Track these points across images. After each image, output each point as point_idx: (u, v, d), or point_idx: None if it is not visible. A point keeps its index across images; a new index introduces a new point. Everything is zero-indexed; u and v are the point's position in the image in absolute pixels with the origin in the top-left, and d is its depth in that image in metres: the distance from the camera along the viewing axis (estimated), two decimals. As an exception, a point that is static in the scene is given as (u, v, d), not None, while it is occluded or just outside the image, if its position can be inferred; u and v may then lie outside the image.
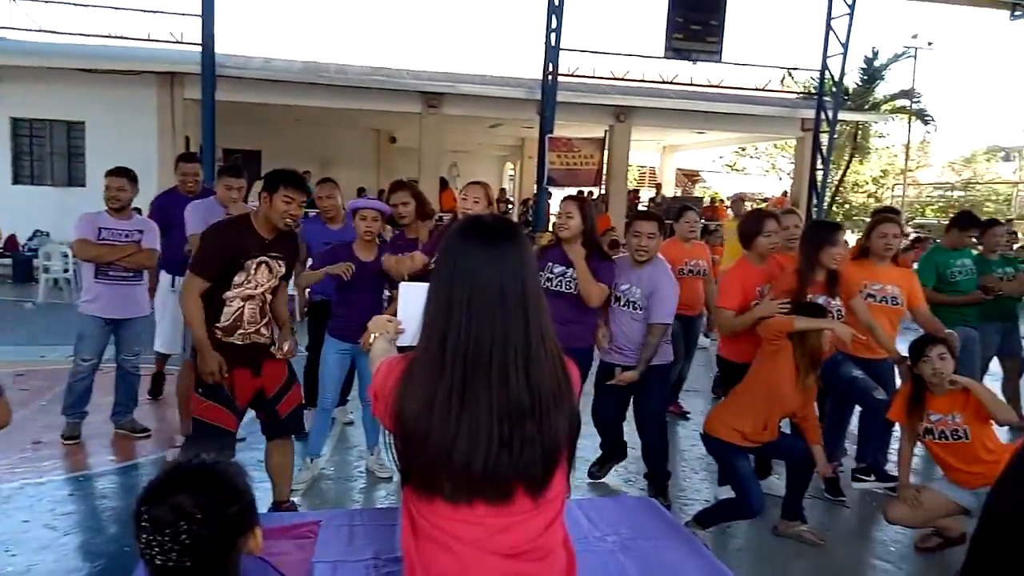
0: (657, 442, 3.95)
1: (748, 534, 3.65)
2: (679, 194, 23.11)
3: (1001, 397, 4.09)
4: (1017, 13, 16.63)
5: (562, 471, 1.40)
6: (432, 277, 1.40)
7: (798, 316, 3.27)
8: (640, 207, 17.62)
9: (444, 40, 79.87)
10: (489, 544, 1.30)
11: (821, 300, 3.62)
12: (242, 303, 3.13)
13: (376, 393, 1.40)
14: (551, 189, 13.48)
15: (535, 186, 14.23)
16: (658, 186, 20.67)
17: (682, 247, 5.21)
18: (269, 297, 3.23)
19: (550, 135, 12.79)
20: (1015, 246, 14.99)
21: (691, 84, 15.22)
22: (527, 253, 1.38)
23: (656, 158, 23.67)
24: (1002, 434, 3.95)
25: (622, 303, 3.84)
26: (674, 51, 13.22)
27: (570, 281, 3.69)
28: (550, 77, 12.61)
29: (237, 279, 3.10)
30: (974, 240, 5.20)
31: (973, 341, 4.92)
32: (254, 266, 3.12)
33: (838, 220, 23.32)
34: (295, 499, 3.63)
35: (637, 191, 20.39)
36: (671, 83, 15.14)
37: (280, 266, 3.22)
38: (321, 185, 4.92)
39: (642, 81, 15.54)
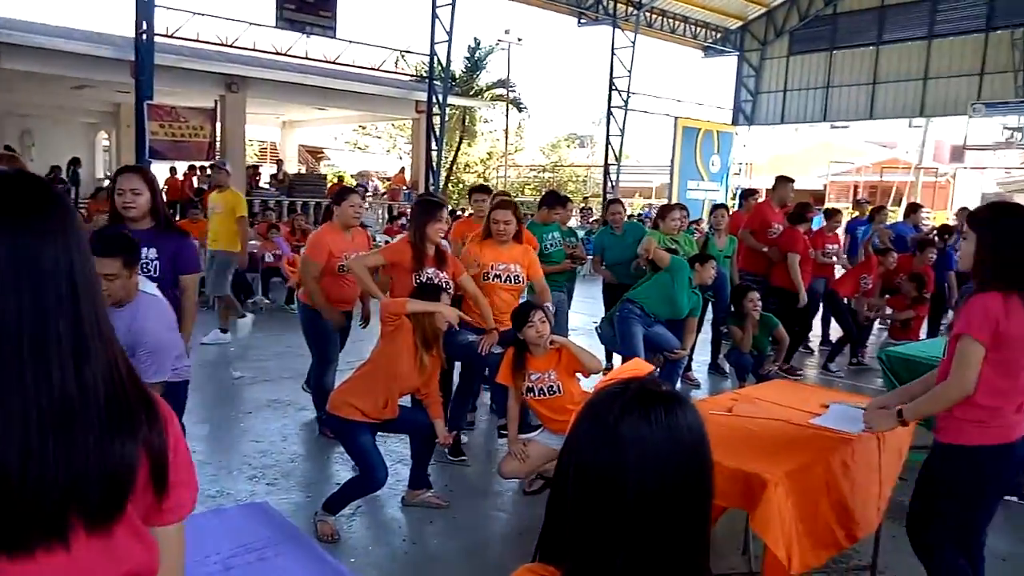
0: None
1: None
2: (303, 171, 22.55)
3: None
4: (583, 21, 19.62)
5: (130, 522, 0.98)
6: None
7: (411, 299, 3.36)
8: (262, 183, 16.74)
9: (5, -20, 65.62)
10: None
11: (431, 272, 3.78)
12: None
13: None
14: (155, 162, 11.97)
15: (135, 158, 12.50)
16: (279, 162, 19.86)
17: (343, 236, 4.77)
18: None
19: (149, 102, 11.30)
20: (591, 219, 17.89)
21: (307, 58, 14.83)
22: (74, 223, 1.00)
23: (276, 133, 22.75)
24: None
25: None
26: (286, 21, 12.70)
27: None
28: (144, 36, 11.11)
29: None
30: (558, 216, 5.91)
31: (563, 303, 5.65)
32: None
33: (453, 198, 25.16)
34: None
35: (257, 167, 19.35)
36: (286, 55, 14.56)
37: None
38: None
39: (254, 50, 14.67)
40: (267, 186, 16.43)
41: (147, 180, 3.26)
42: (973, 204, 18.65)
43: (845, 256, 8.18)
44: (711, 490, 0.96)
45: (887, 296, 7.37)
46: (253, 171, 17.20)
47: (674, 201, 19.34)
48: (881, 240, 8.04)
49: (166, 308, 2.80)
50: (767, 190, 8.26)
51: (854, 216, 10.42)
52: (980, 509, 2.42)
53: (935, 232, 9.21)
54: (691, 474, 0.93)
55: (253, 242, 9.84)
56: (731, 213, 7.37)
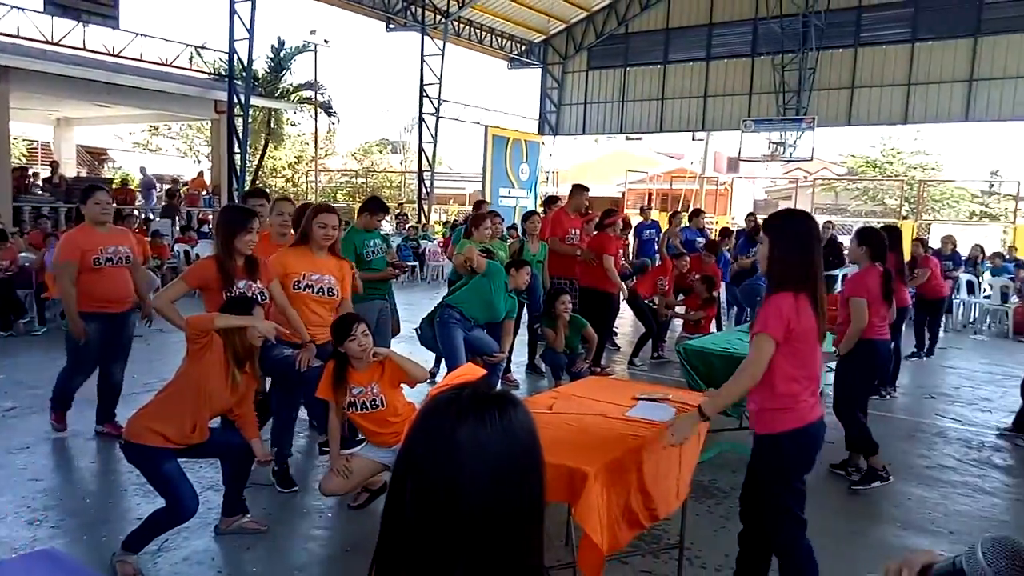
0: None
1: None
2: (83, 174, 20.30)
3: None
4: (392, 26, 19.53)
5: None
6: None
7: (220, 314, 3.14)
8: (36, 187, 14.82)
9: None
10: None
11: (242, 285, 3.56)
12: None
13: None
14: None
15: None
16: (54, 164, 17.71)
17: (97, 233, 4.55)
18: None
19: None
20: (407, 225, 17.82)
21: (84, 49, 13.37)
22: None
23: (49, 132, 20.26)
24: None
25: None
26: (57, 7, 11.36)
27: None
28: None
29: None
30: (379, 222, 5.80)
31: (387, 312, 5.56)
32: None
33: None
34: None
35: (26, 169, 17.09)
36: (59, 44, 13.03)
37: None
38: None
39: (19, 38, 12.97)
40: (40, 191, 14.60)
41: None
42: (747, 210, 20.96)
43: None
44: (544, 488, 0.97)
45: (682, 296, 8.07)
46: (21, 174, 15.18)
47: (487, 208, 19.83)
48: (673, 243, 8.79)
49: None
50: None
51: (640, 221, 11.40)
52: (797, 486, 2.69)
53: (719, 235, 10.24)
54: (527, 474, 0.94)
55: (25, 254, 8.70)
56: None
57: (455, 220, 16.51)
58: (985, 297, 11.39)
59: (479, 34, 21.67)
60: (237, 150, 15.31)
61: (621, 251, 7.71)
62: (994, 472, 4.85)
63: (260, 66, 24.42)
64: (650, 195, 26.00)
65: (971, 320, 11.51)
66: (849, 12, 18.77)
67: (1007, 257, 12.58)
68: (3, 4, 12.30)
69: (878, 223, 21.82)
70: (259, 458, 3.38)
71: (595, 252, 6.91)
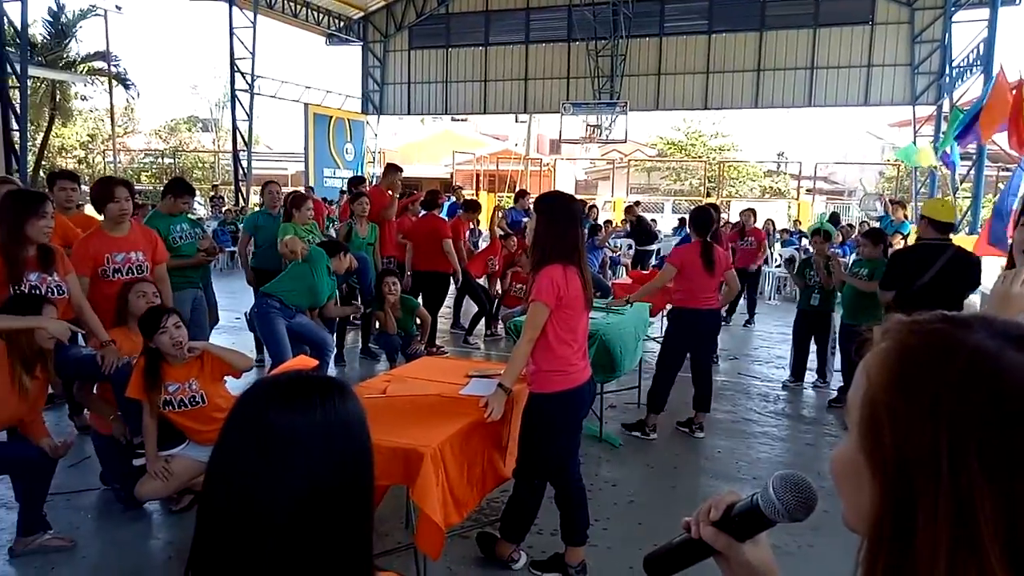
0: None
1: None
2: None
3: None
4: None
5: None
6: None
7: (0, 316, 2.78)
8: None
9: None
10: None
11: (34, 278, 3.17)
12: None
13: None
14: None
15: None
16: None
17: None
18: None
19: None
20: (223, 208, 16.73)
21: None
22: None
23: None
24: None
25: None
26: None
27: None
28: None
29: None
30: (186, 204, 5.39)
31: (201, 301, 5.21)
32: None
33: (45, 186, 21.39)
34: None
35: None
36: None
37: None
38: None
39: None
40: None
41: None
42: (570, 190, 21.86)
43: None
44: (372, 476, 0.92)
45: (511, 271, 8.29)
46: None
47: (311, 188, 19.13)
48: (500, 226, 9.00)
49: None
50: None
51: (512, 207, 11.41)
52: (568, 442, 3.02)
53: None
54: (352, 462, 0.88)
55: None
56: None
57: (228, 209, 15.76)
58: (776, 266, 12.74)
59: (293, 7, 20.64)
60: (15, 127, 13.52)
61: (467, 233, 7.92)
62: (787, 421, 5.48)
63: (38, 31, 21.70)
64: (478, 175, 26.35)
65: (764, 288, 12.86)
66: (654, 3, 20.03)
67: (792, 231, 14.22)
68: None
69: (686, 201, 23.69)
70: (53, 452, 3.04)
71: (439, 237, 6.94)
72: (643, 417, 5.00)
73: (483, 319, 7.88)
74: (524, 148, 27.26)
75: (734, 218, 12.56)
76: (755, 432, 5.18)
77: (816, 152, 32.19)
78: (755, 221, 9.58)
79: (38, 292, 3.31)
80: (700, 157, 29.50)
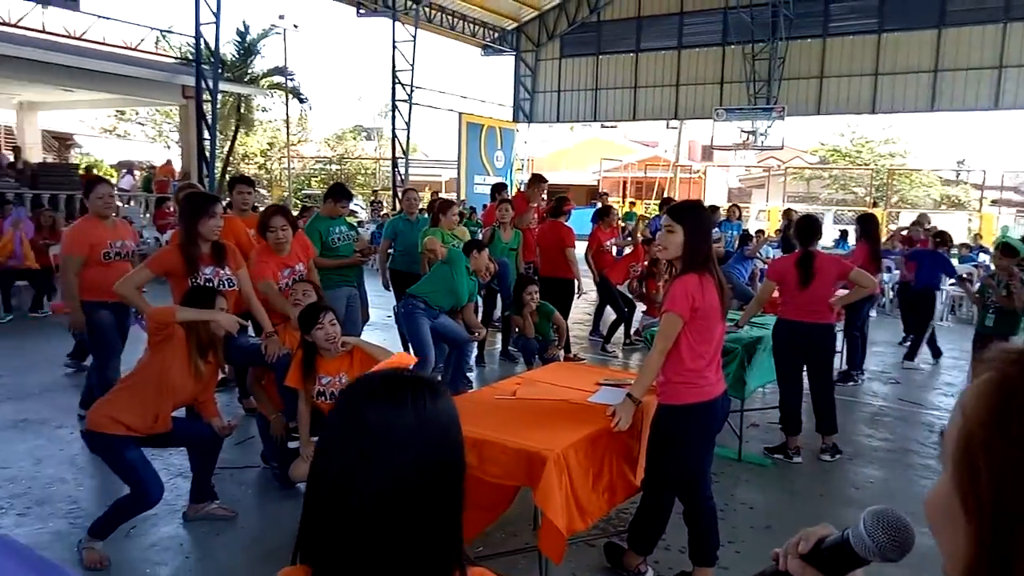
0: None
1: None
2: (51, 159, 19.90)
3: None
4: (362, 11, 19.34)
5: None
6: None
7: (182, 307, 3.14)
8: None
9: None
10: None
11: (208, 271, 3.55)
12: None
13: None
14: None
15: None
16: (16, 149, 17.31)
17: (104, 227, 4.50)
18: None
19: None
20: (381, 212, 17.73)
21: (44, 31, 13.08)
22: None
23: (12, 116, 19.78)
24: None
25: None
26: (19, -11, 11.10)
27: None
28: None
29: None
30: (344, 209, 5.78)
31: (355, 299, 5.57)
32: None
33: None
34: None
35: (-12, 155, 16.70)
36: (16, 26, 12.73)
37: None
38: None
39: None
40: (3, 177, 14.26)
41: None
42: (722, 198, 21.14)
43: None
44: (463, 472, 0.96)
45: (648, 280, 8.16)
46: (-19, 160, 14.82)
47: (462, 195, 19.83)
48: (643, 233, 8.89)
49: None
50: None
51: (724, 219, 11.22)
52: (698, 457, 2.93)
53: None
54: (442, 457, 0.93)
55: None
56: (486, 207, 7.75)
57: (385, 214, 16.46)
58: (951, 284, 11.64)
59: (451, 20, 21.52)
60: (206, 136, 15.09)
61: (612, 241, 7.94)
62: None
63: (228, 51, 24.04)
64: (625, 183, 26.14)
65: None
66: (817, 2, 18.97)
67: (972, 246, 12.84)
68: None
69: (849, 211, 22.18)
70: (221, 431, 3.37)
71: (563, 245, 6.98)
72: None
73: (622, 327, 7.81)
74: (674, 155, 26.69)
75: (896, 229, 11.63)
76: (915, 463, 4.77)
77: (1004, 160, 29.06)
78: (925, 233, 8.80)
79: (212, 285, 3.70)
80: (867, 164, 27.54)
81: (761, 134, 19.46)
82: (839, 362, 6.77)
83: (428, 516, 0.91)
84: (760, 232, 11.59)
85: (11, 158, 16.06)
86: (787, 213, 12.04)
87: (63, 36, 13.49)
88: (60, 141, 24.51)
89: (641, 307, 8.13)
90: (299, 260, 4.48)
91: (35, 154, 18.30)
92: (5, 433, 4.57)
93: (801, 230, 4.61)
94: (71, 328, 4.45)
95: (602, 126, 30.99)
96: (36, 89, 15.87)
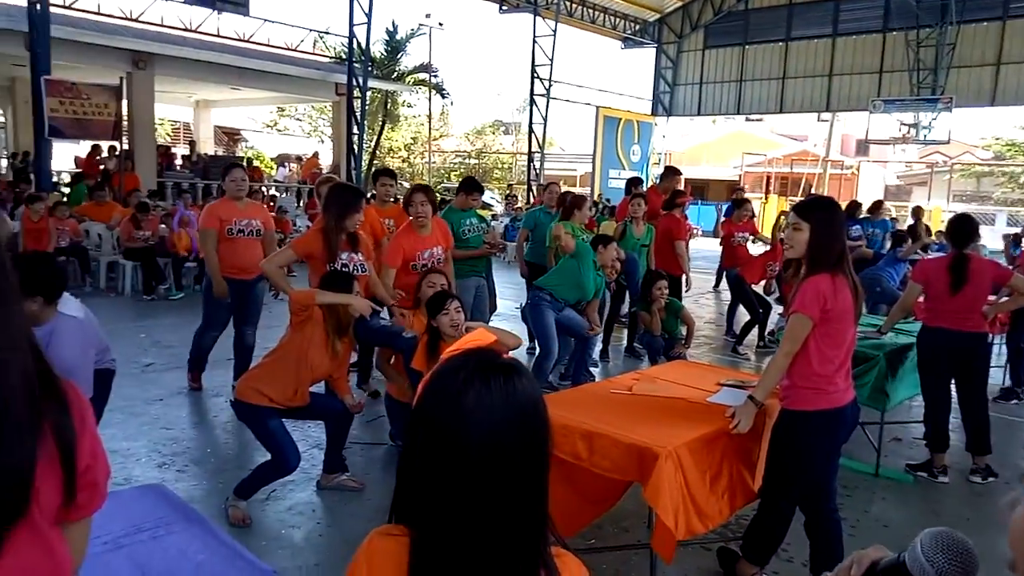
0: None
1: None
2: (220, 152, 21.80)
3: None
4: (504, 8, 19.65)
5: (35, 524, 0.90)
6: None
7: (321, 291, 3.36)
8: (177, 165, 16.11)
9: None
10: None
11: (344, 257, 3.79)
12: None
13: None
14: (56, 140, 11.42)
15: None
16: (192, 143, 19.14)
17: (235, 206, 4.98)
18: None
19: (47, 77, 10.70)
20: (515, 206, 18.02)
21: (219, 36, 14.35)
22: None
23: (190, 113, 21.88)
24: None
25: None
26: (197, -4, 12.25)
27: None
28: (38, 6, 10.48)
29: None
30: (475, 201, 5.95)
31: (484, 289, 5.73)
32: None
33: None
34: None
35: (169, 147, 18.58)
36: (196, 31, 14.04)
37: None
38: None
39: (162, 26, 14.08)
40: (180, 168, 15.84)
41: None
42: (877, 196, 19.70)
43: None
44: (548, 453, 1.04)
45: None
46: (165, 152, 16.52)
47: (596, 189, 19.75)
48: (783, 229, 8.46)
49: (81, 330, 2.76)
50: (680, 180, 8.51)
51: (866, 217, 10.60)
52: (821, 468, 2.77)
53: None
54: (528, 437, 1.00)
55: (164, 226, 9.51)
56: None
57: (519, 207, 16.51)
58: None
59: (592, 14, 21.43)
60: (355, 131, 15.96)
61: (742, 235, 7.65)
62: None
63: (378, 49, 25.23)
64: (768, 178, 24.99)
65: None
66: (997, -19, 17.23)
67: None
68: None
69: (1024, 213, 20.01)
70: (352, 408, 3.60)
71: (671, 237, 6.82)
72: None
73: (755, 328, 7.51)
74: (824, 149, 25.18)
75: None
76: (1087, 494, 4.26)
77: None
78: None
79: (347, 269, 3.95)
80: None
81: (924, 127, 17.98)
82: (1001, 377, 6.18)
83: (519, 488, 0.99)
84: (912, 228, 10.61)
85: (187, 151, 17.78)
86: (916, 211, 11.05)
87: (234, 39, 14.73)
88: (229, 136, 26.80)
89: (778, 308, 7.76)
90: (438, 243, 4.69)
91: (208, 147, 20.17)
92: (173, 398, 5.10)
93: (955, 230, 4.22)
94: (215, 295, 4.92)
95: (746, 119, 29.77)
96: (210, 88, 17.48)
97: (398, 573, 0.99)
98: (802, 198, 11.08)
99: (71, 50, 11.81)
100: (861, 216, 9.86)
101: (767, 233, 11.41)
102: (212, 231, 4.88)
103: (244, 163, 18.32)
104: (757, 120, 30.44)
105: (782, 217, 8.67)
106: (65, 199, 11.23)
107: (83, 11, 12.60)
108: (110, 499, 2.29)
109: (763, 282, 7.60)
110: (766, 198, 23.22)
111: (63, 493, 0.91)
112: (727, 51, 22.31)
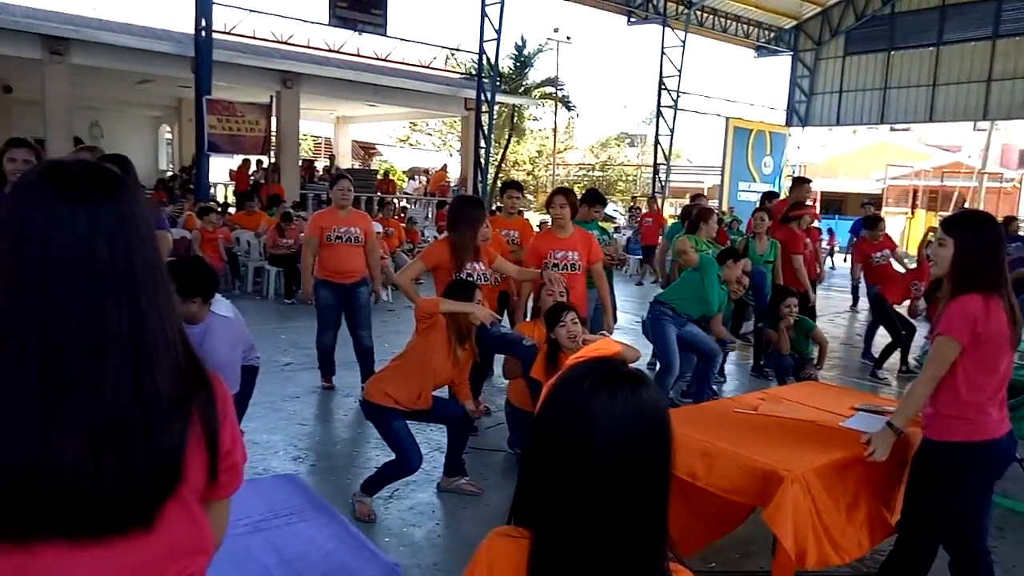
0: None
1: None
2: (357, 166, 23.00)
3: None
4: (633, 20, 19.54)
5: (183, 500, 1.00)
6: None
7: (444, 299, 3.49)
8: (317, 177, 17.16)
9: (77, -22, 68.14)
10: None
11: (469, 267, 3.91)
12: None
13: None
14: (213, 155, 12.48)
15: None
16: (332, 157, 20.33)
17: (337, 214, 5.30)
18: None
19: (208, 97, 11.74)
20: (639, 219, 17.78)
21: (359, 55, 15.17)
22: (133, 211, 0.98)
23: (330, 129, 23.25)
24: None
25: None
26: (339, 19, 13.03)
27: None
28: (204, 32, 11.53)
29: None
30: (598, 213, 5.96)
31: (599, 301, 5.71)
32: None
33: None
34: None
35: (312, 162, 19.82)
36: (338, 52, 14.93)
37: None
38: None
39: (308, 47, 15.08)
40: (320, 181, 16.86)
41: None
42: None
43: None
44: (670, 464, 1.05)
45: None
46: (308, 166, 17.64)
47: (725, 203, 19.18)
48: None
49: (231, 329, 3.04)
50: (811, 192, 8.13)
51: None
52: (970, 504, 2.52)
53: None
54: (652, 447, 1.02)
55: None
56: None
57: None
58: None
59: (723, 23, 20.85)
60: (483, 144, 16.37)
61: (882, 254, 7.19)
62: None
63: (506, 65, 25.76)
64: (915, 191, 23.31)
65: None
66: None
67: None
68: (295, 19, 14.37)
69: None
70: (472, 413, 3.70)
71: (788, 250, 6.50)
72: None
73: (897, 351, 7.01)
74: (980, 161, 23.18)
75: None
76: None
77: None
78: None
79: (471, 278, 4.06)
80: None
81: (1102, 135, 16.14)
82: None
83: (639, 496, 1.00)
84: None
85: (328, 164, 18.88)
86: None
87: (373, 58, 15.55)
88: (365, 150, 28.22)
89: (923, 331, 7.21)
90: (575, 248, 4.75)
91: (346, 161, 21.34)
92: (307, 396, 5.42)
93: None
94: (302, 297, 5.38)
95: (891, 129, 27.91)
96: (349, 105, 18.52)
97: (517, 574, 1.01)
98: (952, 212, 10.27)
99: (228, 72, 12.88)
100: (1021, 233, 9.04)
101: (912, 251, 10.66)
102: (313, 240, 5.26)
103: (380, 175, 19.27)
104: (903, 130, 28.46)
105: (930, 233, 8.04)
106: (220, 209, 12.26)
107: (240, 35, 13.70)
108: (251, 486, 2.47)
109: (907, 302, 7.08)
110: (912, 213, 21.65)
111: (207, 474, 1.01)
112: (870, 57, 21.03)
